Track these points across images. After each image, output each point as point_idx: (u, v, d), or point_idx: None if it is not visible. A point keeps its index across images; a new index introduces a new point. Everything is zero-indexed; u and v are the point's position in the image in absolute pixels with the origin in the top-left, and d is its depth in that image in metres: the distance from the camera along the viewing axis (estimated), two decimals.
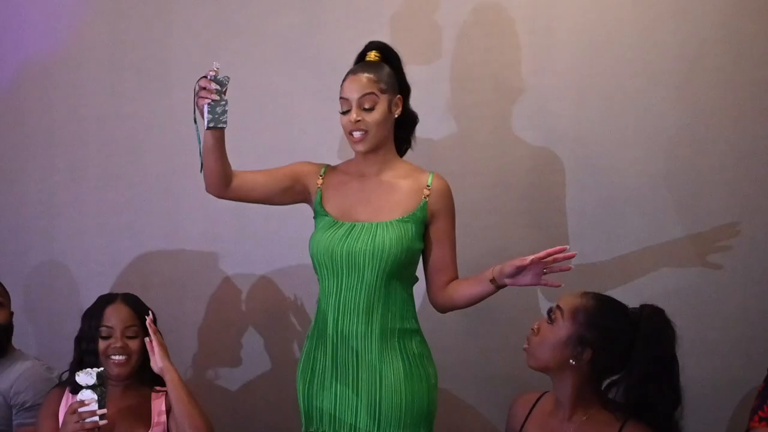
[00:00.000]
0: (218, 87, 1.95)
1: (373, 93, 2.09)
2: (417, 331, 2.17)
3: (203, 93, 1.97)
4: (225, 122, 1.98)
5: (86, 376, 2.06)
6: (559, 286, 2.02)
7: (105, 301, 2.36)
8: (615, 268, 2.60)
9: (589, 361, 1.86)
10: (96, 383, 2.06)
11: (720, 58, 2.50)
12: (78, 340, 2.35)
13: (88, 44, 2.99)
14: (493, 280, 2.07)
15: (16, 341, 2.64)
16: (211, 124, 1.97)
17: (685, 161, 2.54)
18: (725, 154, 2.52)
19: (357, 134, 2.10)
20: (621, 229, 2.59)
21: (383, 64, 2.16)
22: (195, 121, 2.05)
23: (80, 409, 2.05)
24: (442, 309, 2.22)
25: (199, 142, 2.08)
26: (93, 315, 2.33)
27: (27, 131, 3.07)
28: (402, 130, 2.24)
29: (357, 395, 2.11)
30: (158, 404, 2.32)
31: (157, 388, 2.33)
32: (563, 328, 1.87)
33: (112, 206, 3.01)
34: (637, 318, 1.85)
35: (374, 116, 2.10)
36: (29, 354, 2.64)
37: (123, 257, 3.01)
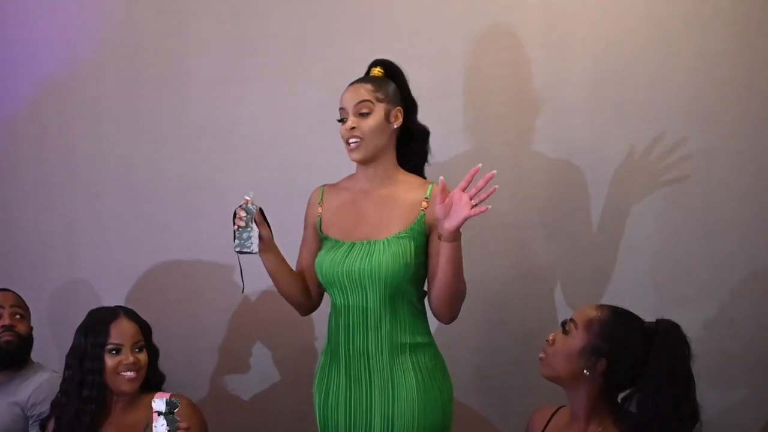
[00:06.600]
0: (246, 214, 2.09)
1: (368, 101, 2.09)
2: (429, 345, 2.16)
3: (236, 219, 2.10)
4: (250, 247, 2.11)
5: (159, 402, 1.98)
6: (487, 209, 1.90)
7: (107, 317, 2.29)
8: (632, 279, 2.58)
9: (602, 372, 1.84)
10: (166, 411, 1.98)
11: (734, 70, 2.48)
12: (79, 359, 2.24)
13: (106, 60, 3.02)
14: (440, 236, 1.98)
15: (37, 354, 2.66)
16: (237, 249, 2.12)
17: (700, 172, 2.52)
18: (740, 164, 2.50)
19: (352, 141, 2.10)
20: (638, 240, 2.58)
21: (387, 79, 2.17)
22: (234, 244, 2.13)
23: None
24: (440, 314, 2.13)
25: (240, 268, 2.21)
26: (97, 332, 2.24)
27: (47, 147, 3.11)
28: (415, 145, 2.21)
29: (371, 410, 2.11)
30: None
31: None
32: (578, 339, 1.86)
33: (132, 221, 3.04)
34: (652, 332, 1.84)
35: (369, 123, 2.09)
36: (47, 367, 2.66)
37: (142, 271, 3.03)
